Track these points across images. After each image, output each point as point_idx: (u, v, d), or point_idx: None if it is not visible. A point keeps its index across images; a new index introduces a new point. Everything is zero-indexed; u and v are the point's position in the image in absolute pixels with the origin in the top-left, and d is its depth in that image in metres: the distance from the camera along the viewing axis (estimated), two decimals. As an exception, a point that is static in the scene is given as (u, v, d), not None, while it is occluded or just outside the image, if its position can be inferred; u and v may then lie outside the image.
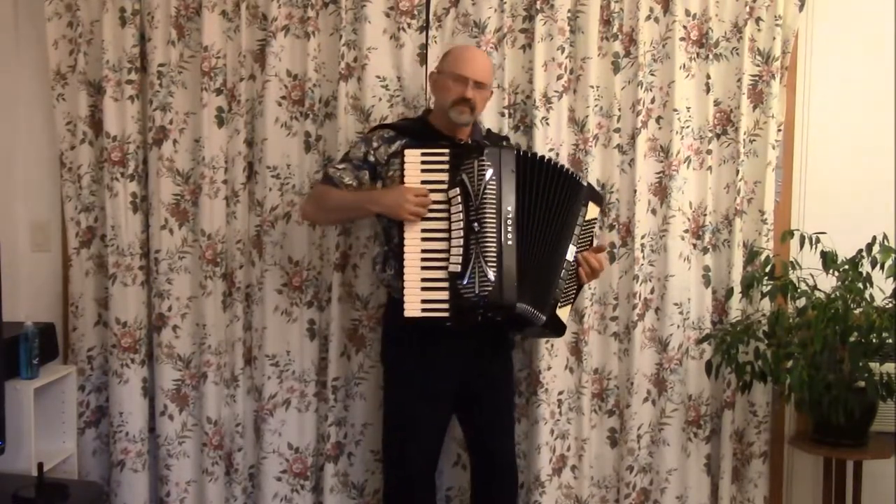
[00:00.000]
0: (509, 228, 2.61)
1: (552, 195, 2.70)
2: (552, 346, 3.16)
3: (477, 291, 2.57)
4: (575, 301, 2.90)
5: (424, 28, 3.16)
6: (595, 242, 2.90)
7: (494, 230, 2.59)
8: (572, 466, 3.22)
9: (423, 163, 2.66)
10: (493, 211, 2.60)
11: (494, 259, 2.58)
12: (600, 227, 3.17)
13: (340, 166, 2.85)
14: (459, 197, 2.61)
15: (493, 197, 2.61)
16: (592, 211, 2.80)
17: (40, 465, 2.69)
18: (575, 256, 2.75)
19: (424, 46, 3.15)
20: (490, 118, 3.11)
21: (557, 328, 2.80)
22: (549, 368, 3.16)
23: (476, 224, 2.59)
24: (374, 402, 3.20)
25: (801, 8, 3.13)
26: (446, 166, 2.64)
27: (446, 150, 2.66)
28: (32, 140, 3.34)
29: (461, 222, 2.60)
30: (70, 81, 3.25)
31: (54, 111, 3.26)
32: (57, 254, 3.37)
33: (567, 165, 2.98)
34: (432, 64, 3.10)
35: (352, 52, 3.16)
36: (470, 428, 2.95)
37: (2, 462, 2.75)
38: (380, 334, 3.07)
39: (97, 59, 3.20)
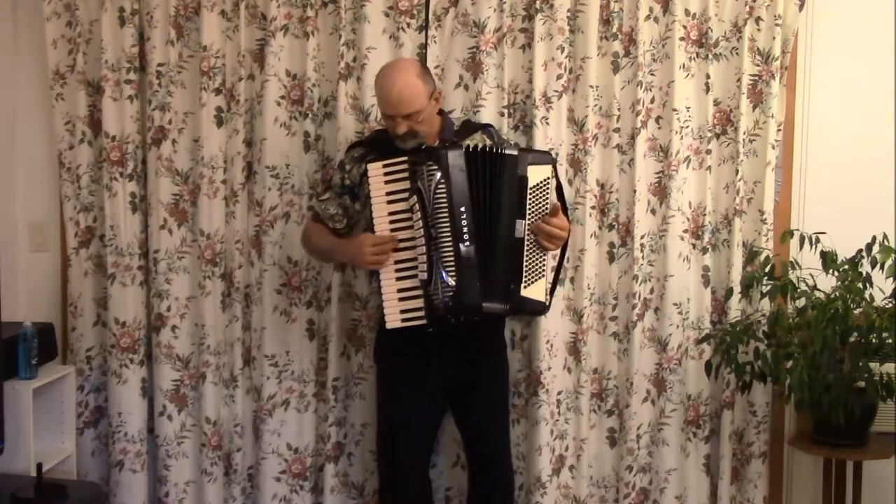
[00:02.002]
0: (465, 229, 2.59)
1: (494, 180, 2.64)
2: (551, 346, 3.15)
3: (441, 298, 2.58)
4: (559, 271, 2.84)
5: (424, 28, 3.16)
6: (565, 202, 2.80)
7: (449, 234, 2.58)
8: (570, 466, 3.22)
9: (386, 174, 2.65)
10: (445, 214, 2.58)
11: (452, 263, 2.57)
12: (601, 228, 3.19)
13: (325, 197, 2.90)
14: (417, 205, 2.60)
15: (444, 200, 2.58)
16: (537, 174, 2.67)
17: (39, 466, 2.69)
18: (528, 229, 2.65)
19: (424, 46, 3.15)
20: (490, 118, 3.10)
21: (533, 309, 2.71)
22: (549, 369, 3.15)
23: (432, 230, 2.58)
24: (374, 403, 3.19)
25: (800, 7, 3.13)
26: (406, 174, 2.64)
27: (405, 159, 2.65)
28: (31, 140, 3.34)
29: (422, 230, 2.60)
30: (69, 81, 3.25)
31: (53, 111, 3.27)
32: (56, 254, 3.37)
33: (505, 142, 2.88)
34: (432, 64, 3.11)
35: (351, 51, 3.16)
36: (464, 428, 2.95)
37: (1, 462, 2.75)
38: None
39: (96, 59, 3.20)
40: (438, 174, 2.58)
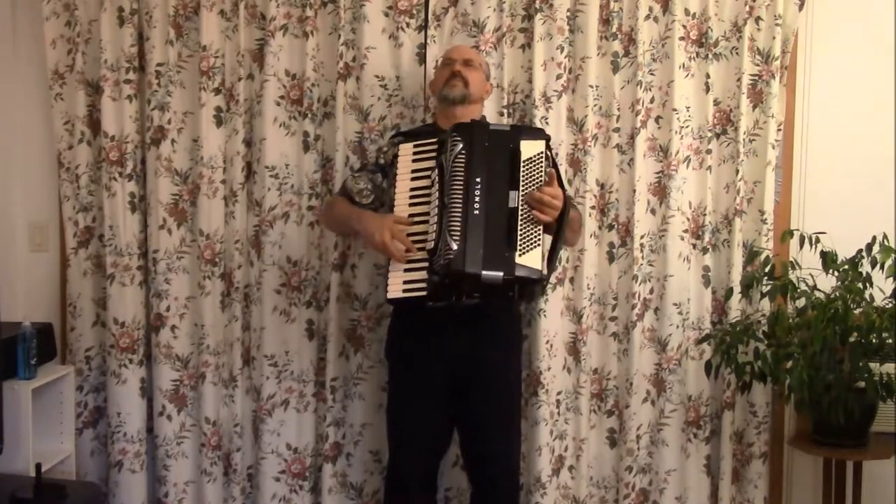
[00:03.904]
0: (477, 198, 2.60)
1: (493, 154, 2.65)
2: (551, 346, 3.15)
3: (442, 262, 2.55)
4: (557, 242, 2.74)
5: (423, 27, 3.16)
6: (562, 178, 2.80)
7: (460, 201, 2.58)
8: (570, 467, 3.21)
9: (415, 153, 2.73)
10: (460, 183, 2.59)
11: (458, 229, 2.56)
12: (599, 227, 3.18)
13: (357, 173, 2.94)
14: (437, 177, 2.64)
15: (461, 169, 2.61)
16: (530, 149, 2.67)
17: (38, 466, 2.68)
18: (521, 200, 2.63)
19: (423, 46, 3.15)
20: (489, 118, 3.09)
21: (528, 276, 2.60)
22: (549, 369, 3.15)
23: (445, 198, 2.60)
24: (373, 403, 3.19)
25: (800, 7, 3.13)
26: (434, 154, 2.69)
27: (435, 140, 2.71)
28: (30, 140, 3.33)
29: (437, 200, 2.62)
30: (68, 81, 3.25)
31: (52, 111, 3.26)
32: (55, 254, 3.37)
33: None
34: (430, 63, 3.11)
35: (350, 51, 3.16)
36: (463, 425, 2.86)
37: (0, 462, 2.75)
38: (379, 334, 3.06)
39: (95, 59, 3.20)
40: (460, 145, 2.63)
